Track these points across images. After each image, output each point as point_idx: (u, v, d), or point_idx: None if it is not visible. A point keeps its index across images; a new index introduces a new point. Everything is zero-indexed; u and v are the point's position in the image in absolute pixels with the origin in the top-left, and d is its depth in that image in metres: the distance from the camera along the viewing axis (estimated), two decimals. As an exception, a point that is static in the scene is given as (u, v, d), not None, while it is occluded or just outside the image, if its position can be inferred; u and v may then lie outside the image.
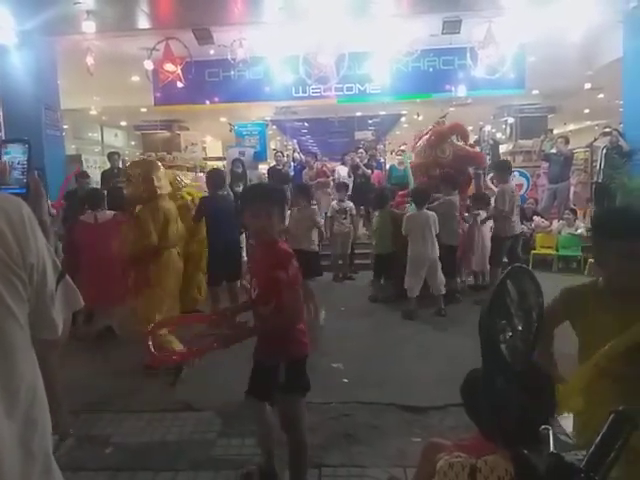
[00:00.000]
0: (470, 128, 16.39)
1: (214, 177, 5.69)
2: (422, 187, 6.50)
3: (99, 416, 3.60)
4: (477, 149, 10.72)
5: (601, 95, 13.19)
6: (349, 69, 10.20)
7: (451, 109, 14.24)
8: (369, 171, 10.23)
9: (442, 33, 8.81)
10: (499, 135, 14.62)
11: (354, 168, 10.26)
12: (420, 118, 16.47)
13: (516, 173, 10.05)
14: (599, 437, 0.82)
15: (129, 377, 4.22)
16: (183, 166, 11.90)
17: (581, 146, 10.68)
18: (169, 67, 9.80)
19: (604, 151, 8.40)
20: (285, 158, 11.15)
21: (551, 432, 0.90)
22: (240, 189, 8.46)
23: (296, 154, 11.44)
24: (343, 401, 3.78)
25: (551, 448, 0.87)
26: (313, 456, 2.86)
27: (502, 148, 13.51)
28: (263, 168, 11.67)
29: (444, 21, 8.54)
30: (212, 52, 10.01)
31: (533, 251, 8.17)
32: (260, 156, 11.50)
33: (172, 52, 9.56)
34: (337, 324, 5.73)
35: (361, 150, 10.79)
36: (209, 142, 18.23)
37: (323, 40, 9.18)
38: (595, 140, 9.65)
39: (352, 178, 10.19)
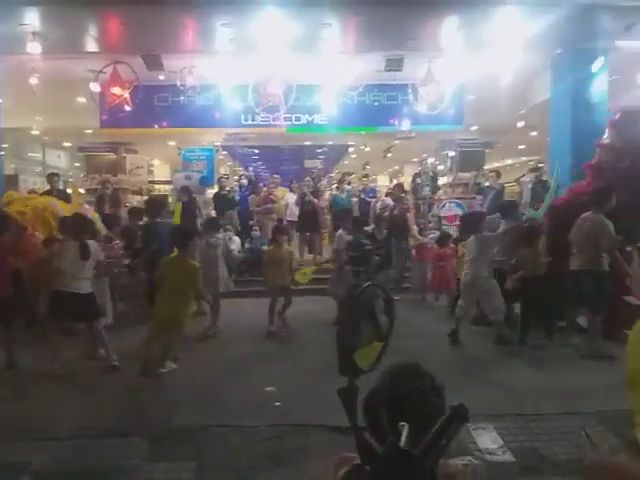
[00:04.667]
0: (414, 160, 17.19)
1: (152, 205, 5.76)
2: None
3: (18, 443, 3.49)
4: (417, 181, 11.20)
5: (534, 133, 14.10)
6: (297, 100, 10.49)
7: (396, 142, 14.85)
8: (315, 199, 10.49)
9: (385, 70, 9.25)
10: (441, 167, 15.28)
11: (302, 196, 10.51)
12: (367, 149, 17.04)
13: (453, 204, 10.58)
14: (435, 428, 0.96)
15: (50, 401, 4.13)
16: (128, 189, 11.73)
17: (510, 181, 11.41)
18: (116, 90, 9.74)
19: (530, 186, 9.01)
20: (234, 182, 11.23)
21: (406, 427, 1.02)
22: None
23: (243, 180, 11.53)
24: (273, 424, 3.84)
25: (403, 439, 0.99)
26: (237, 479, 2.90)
27: (442, 180, 14.14)
28: (211, 193, 11.68)
29: (387, 59, 8.98)
30: (162, 77, 10.08)
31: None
32: (207, 181, 11.50)
33: (120, 76, 9.53)
34: (274, 349, 5.84)
35: (308, 179, 11.05)
36: (157, 165, 18.06)
37: (272, 71, 9.44)
38: (523, 176, 10.35)
39: (299, 206, 10.44)
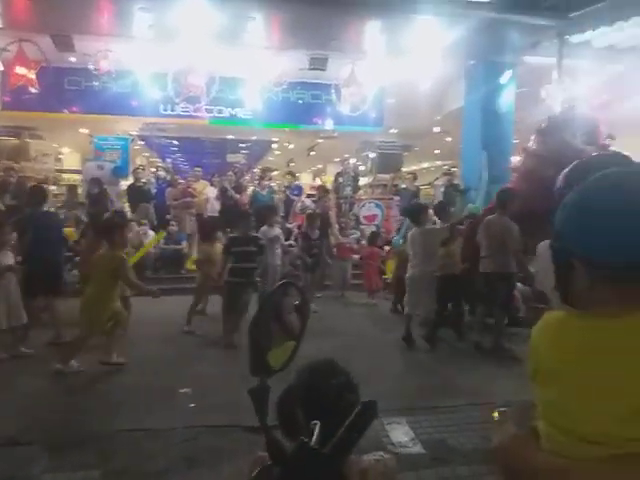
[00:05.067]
0: (337, 159, 17.46)
1: (34, 194, 5.52)
2: None
3: None
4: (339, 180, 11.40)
5: (449, 138, 14.83)
6: (220, 92, 10.27)
7: (319, 140, 15.01)
8: (237, 195, 10.32)
9: (309, 68, 9.30)
10: (362, 168, 15.65)
11: (222, 191, 10.30)
12: (291, 146, 17.06)
13: (373, 204, 10.88)
14: (345, 425, 0.96)
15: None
16: (32, 177, 10.85)
17: (425, 183, 11.97)
18: (21, 70, 9.00)
19: (442, 189, 9.51)
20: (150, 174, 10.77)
21: (318, 425, 1.02)
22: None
23: (160, 172, 11.08)
24: (188, 426, 3.72)
25: (314, 438, 0.99)
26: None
27: (363, 181, 14.48)
28: (125, 185, 11.12)
29: (311, 57, 9.03)
30: (73, 59, 9.43)
31: (384, 275, 8.84)
32: (121, 172, 10.91)
33: (26, 55, 8.82)
34: (191, 350, 5.67)
35: (230, 173, 10.85)
36: (66, 153, 16.87)
37: (194, 61, 9.16)
38: (436, 179, 10.89)
39: (221, 201, 10.23)
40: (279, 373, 1.06)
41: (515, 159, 7.82)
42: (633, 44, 7.73)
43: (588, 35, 7.36)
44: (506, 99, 8.78)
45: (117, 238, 4.91)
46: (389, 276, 8.80)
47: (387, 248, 9.09)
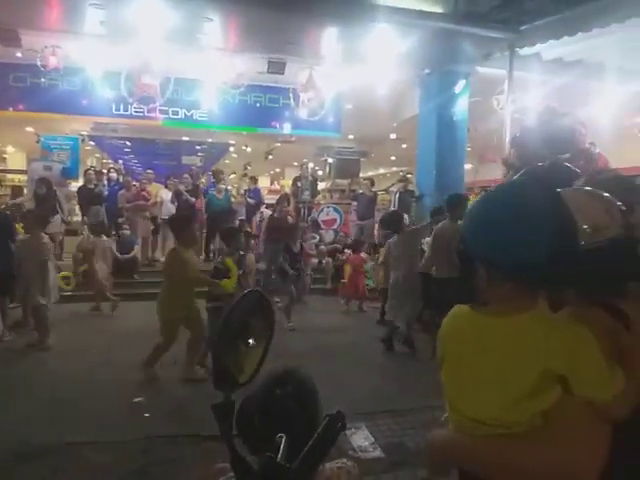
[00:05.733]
0: (295, 164, 17.46)
1: None
2: None
3: None
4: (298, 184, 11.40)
5: (405, 145, 15.12)
6: (175, 93, 10.06)
7: (277, 144, 14.96)
8: (193, 199, 10.12)
9: (268, 72, 9.24)
10: (320, 173, 15.71)
11: (177, 194, 10.07)
12: (248, 150, 16.93)
13: (331, 209, 10.94)
14: (313, 438, 0.94)
15: None
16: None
17: (381, 189, 12.15)
18: (-39, 65, 8.51)
19: (397, 195, 9.69)
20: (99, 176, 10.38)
21: (284, 439, 0.99)
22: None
23: (112, 173, 10.72)
24: (143, 437, 3.60)
25: (280, 453, 0.96)
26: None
27: (322, 185, 14.55)
28: (76, 186, 10.69)
29: (269, 61, 8.98)
30: (19, 55, 8.99)
31: (342, 280, 8.89)
32: (70, 173, 10.49)
33: (-34, 49, 8.34)
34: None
35: (186, 176, 10.63)
36: (11, 153, 16.08)
37: (148, 61, 8.92)
38: (392, 185, 11.08)
39: (176, 204, 10.01)
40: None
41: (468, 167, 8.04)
42: (579, 57, 8.15)
43: (537, 48, 7.67)
44: (460, 108, 9.01)
45: (186, 235, 4.91)
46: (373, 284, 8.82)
47: (347, 252, 9.15)
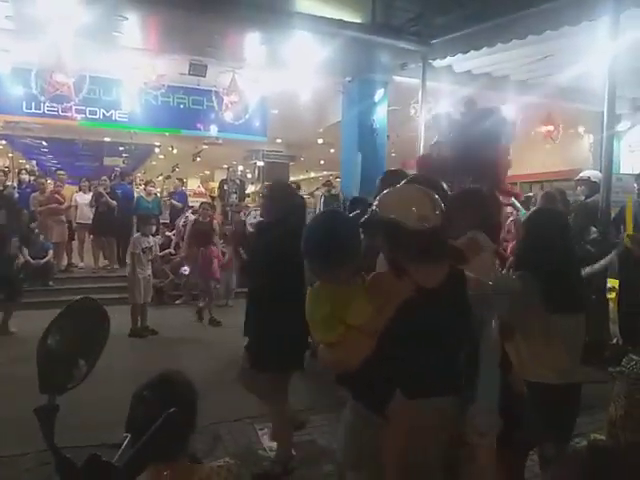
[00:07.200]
0: (225, 166, 17.30)
1: None
2: None
3: None
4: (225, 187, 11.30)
5: (332, 150, 15.41)
6: (92, 93, 9.67)
7: (204, 146, 14.76)
8: (114, 202, 9.81)
9: (189, 74, 9.11)
10: (249, 176, 15.67)
11: (97, 196, 9.73)
12: (175, 151, 16.60)
13: (259, 212, 10.92)
14: (144, 437, 0.99)
15: None
16: None
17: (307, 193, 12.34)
18: None
19: (322, 199, 9.91)
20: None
21: (128, 439, 1.04)
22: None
23: (23, 175, 10.15)
24: (44, 449, 3.45)
25: (120, 451, 1.00)
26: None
27: (251, 188, 14.52)
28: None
29: (191, 63, 8.85)
30: None
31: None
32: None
33: None
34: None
35: (104, 178, 10.26)
36: None
37: (60, 58, 8.51)
38: (317, 189, 11.30)
39: (95, 207, 9.66)
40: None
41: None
42: (486, 70, 8.72)
43: (449, 60, 8.13)
44: (379, 115, 9.31)
45: None
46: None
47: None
